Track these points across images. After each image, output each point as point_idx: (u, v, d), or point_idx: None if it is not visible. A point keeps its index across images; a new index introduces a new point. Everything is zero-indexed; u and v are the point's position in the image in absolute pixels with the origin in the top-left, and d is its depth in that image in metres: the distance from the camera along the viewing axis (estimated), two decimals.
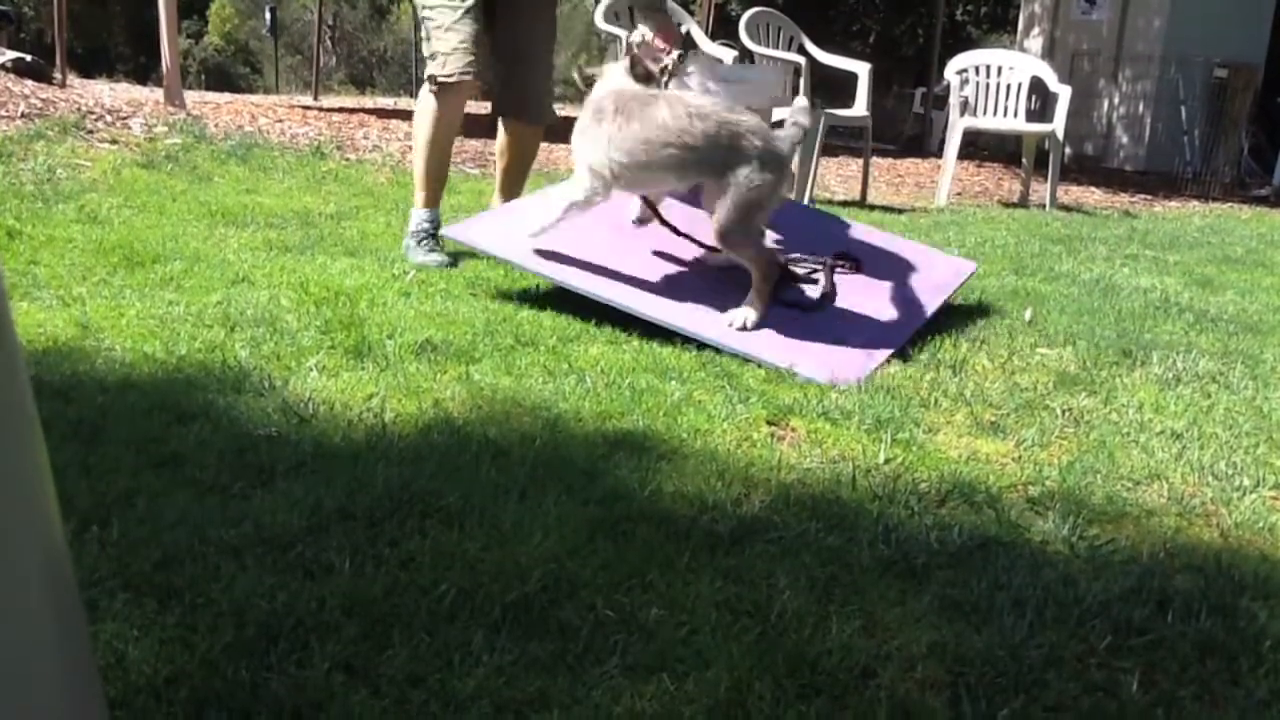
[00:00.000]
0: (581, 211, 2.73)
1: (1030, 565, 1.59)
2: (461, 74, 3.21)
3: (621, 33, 5.20)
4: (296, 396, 2.04)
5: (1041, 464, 2.01)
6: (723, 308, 2.67)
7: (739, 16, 6.78)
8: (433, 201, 3.42)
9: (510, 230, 2.87)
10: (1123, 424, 2.28)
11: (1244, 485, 1.99)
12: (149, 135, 5.34)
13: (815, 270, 2.95)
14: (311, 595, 1.36)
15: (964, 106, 6.49)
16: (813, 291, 2.86)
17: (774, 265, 2.70)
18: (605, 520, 1.62)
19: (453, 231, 3.00)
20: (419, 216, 3.40)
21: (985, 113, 6.60)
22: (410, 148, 6.35)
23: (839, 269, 2.98)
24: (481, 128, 7.86)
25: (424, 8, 3.26)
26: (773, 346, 2.56)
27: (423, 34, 3.32)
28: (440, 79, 3.24)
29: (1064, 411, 2.33)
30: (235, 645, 1.25)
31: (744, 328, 2.61)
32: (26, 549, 0.83)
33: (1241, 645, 1.41)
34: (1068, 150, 9.16)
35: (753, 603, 1.43)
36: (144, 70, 17.72)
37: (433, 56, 3.26)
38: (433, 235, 3.37)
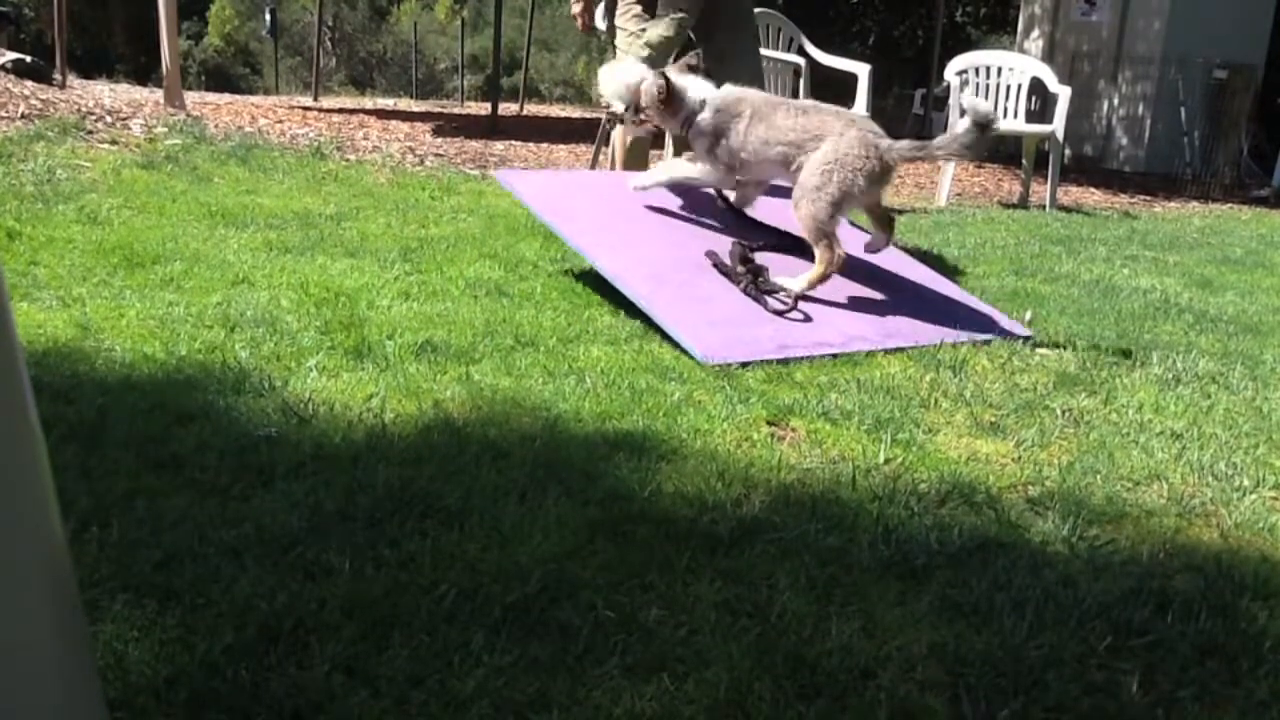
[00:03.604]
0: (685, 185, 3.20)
1: (1030, 566, 1.59)
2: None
3: None
4: (296, 397, 2.04)
5: (1041, 464, 2.01)
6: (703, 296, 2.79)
7: None
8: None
9: (546, 189, 3.35)
10: (1123, 424, 2.28)
11: (1244, 485, 1.99)
12: (149, 136, 5.33)
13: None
14: (311, 596, 1.36)
15: (964, 108, 6.48)
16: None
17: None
18: (605, 521, 1.62)
19: (500, 175, 3.58)
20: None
21: None
22: (410, 148, 6.39)
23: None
24: (480, 129, 7.89)
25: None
26: (681, 318, 2.63)
27: (630, 28, 3.73)
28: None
29: (1064, 412, 2.33)
30: (235, 646, 1.25)
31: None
32: (26, 549, 0.83)
33: (1241, 646, 1.41)
34: (1067, 151, 9.16)
35: (753, 603, 1.43)
36: (144, 71, 17.70)
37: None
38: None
